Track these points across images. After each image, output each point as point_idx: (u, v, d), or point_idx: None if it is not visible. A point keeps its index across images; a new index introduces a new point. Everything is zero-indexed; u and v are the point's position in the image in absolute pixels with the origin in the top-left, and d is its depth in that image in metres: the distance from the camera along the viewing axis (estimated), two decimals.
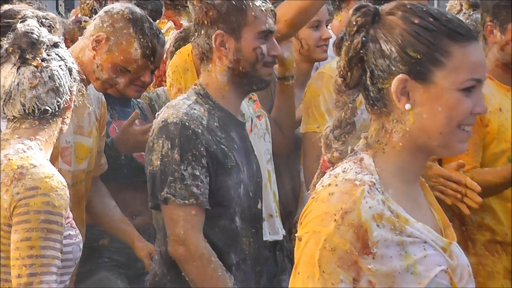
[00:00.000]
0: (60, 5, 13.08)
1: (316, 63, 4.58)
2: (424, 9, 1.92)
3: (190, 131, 3.01)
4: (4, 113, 2.68)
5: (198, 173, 3.00)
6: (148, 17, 3.89)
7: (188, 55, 3.93)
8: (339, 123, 1.93)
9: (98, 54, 3.60)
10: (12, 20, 2.73)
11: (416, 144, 1.91)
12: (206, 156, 3.03)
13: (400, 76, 1.86)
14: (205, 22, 3.12)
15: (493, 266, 3.87)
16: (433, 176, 3.45)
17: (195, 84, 3.25)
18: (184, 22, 5.51)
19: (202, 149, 3.01)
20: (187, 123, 3.02)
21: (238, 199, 3.15)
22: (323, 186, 1.87)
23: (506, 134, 3.81)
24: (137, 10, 3.82)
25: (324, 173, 1.94)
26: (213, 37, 3.08)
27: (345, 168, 1.88)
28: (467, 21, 4.08)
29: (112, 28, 3.65)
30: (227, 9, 3.11)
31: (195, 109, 3.08)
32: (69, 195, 2.60)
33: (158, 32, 3.77)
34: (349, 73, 1.93)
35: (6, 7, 2.82)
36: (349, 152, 1.94)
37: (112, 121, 4.26)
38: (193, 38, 3.21)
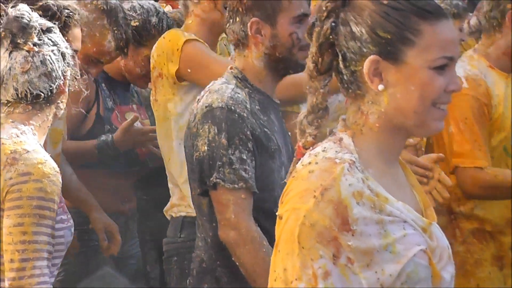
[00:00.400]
0: None
1: None
2: None
3: (236, 115, 3.06)
4: None
5: (245, 157, 3.06)
6: (123, 7, 3.92)
7: (178, 49, 3.87)
8: (312, 109, 1.97)
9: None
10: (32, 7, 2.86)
11: (393, 125, 1.95)
12: (251, 140, 3.08)
13: (372, 57, 1.90)
14: (240, 9, 3.15)
15: (481, 254, 3.95)
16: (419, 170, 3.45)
17: (231, 68, 3.29)
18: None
19: (248, 132, 3.06)
20: (232, 107, 3.07)
21: (281, 182, 3.18)
22: (303, 165, 1.90)
23: (505, 123, 3.89)
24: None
25: (299, 159, 1.98)
26: (248, 24, 3.12)
27: (325, 147, 1.91)
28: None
29: (86, 19, 3.67)
30: None
31: (238, 93, 3.13)
32: (61, 181, 2.65)
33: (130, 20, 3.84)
34: (320, 58, 1.96)
35: None
36: (328, 134, 1.99)
37: (114, 107, 4.34)
38: (228, 25, 3.23)
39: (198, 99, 3.24)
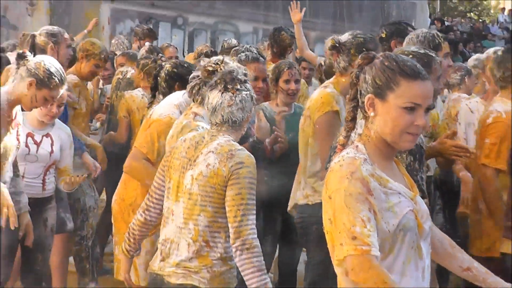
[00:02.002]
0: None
1: None
2: (393, 56, 2.71)
3: None
4: (210, 120, 3.84)
5: None
6: None
7: None
8: (345, 121, 2.81)
9: None
10: (216, 65, 4.14)
11: (382, 138, 2.69)
12: None
13: (369, 95, 2.69)
14: None
15: None
16: (449, 147, 4.27)
17: None
18: None
19: None
20: None
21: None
22: (335, 163, 2.67)
23: None
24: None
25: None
26: None
27: (347, 151, 2.69)
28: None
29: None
30: None
31: None
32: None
33: None
34: (350, 91, 2.80)
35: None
36: (349, 144, 2.77)
37: None
38: None
39: None
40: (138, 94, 6.76)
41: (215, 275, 3.65)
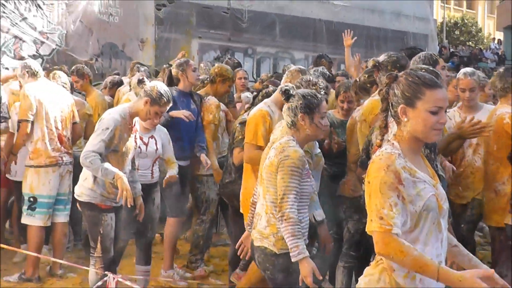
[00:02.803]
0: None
1: None
2: (413, 73, 2.66)
3: None
4: None
5: None
6: None
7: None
8: (379, 127, 2.75)
9: None
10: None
11: (413, 136, 2.64)
12: None
13: (401, 106, 2.64)
14: None
15: None
16: (467, 129, 4.22)
17: None
18: None
19: None
20: None
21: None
22: (375, 156, 2.62)
23: None
24: None
25: (374, 153, 2.70)
26: None
27: (385, 147, 2.64)
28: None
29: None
30: None
31: None
32: (304, 160, 3.67)
33: None
34: (382, 104, 2.74)
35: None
36: (385, 142, 2.71)
37: None
38: None
39: None
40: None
41: (278, 239, 3.67)
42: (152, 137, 5.43)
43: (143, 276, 5.49)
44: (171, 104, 4.82)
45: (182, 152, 5.99)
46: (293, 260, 3.50)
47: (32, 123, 5.97)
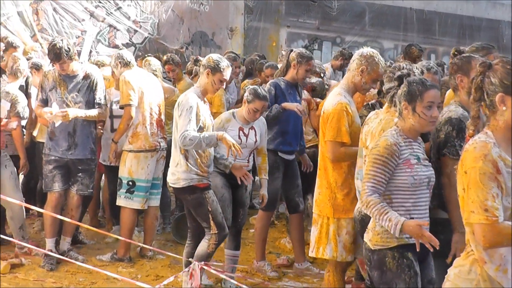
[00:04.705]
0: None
1: None
2: (507, 60, 2.61)
3: None
4: None
5: None
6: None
7: None
8: (472, 117, 2.70)
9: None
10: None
11: (508, 125, 2.59)
12: None
13: (500, 94, 2.57)
14: None
15: None
16: None
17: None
18: None
19: None
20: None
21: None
22: (469, 145, 2.58)
23: None
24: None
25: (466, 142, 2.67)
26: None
27: (479, 136, 2.60)
28: None
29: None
30: None
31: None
32: (394, 150, 3.46)
33: None
34: (475, 94, 2.66)
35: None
36: (480, 130, 2.66)
37: None
38: None
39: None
40: None
41: (375, 234, 3.57)
42: (252, 128, 5.46)
43: (231, 260, 5.61)
44: (231, 69, 5.00)
45: (288, 146, 6.09)
46: (396, 234, 3.32)
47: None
